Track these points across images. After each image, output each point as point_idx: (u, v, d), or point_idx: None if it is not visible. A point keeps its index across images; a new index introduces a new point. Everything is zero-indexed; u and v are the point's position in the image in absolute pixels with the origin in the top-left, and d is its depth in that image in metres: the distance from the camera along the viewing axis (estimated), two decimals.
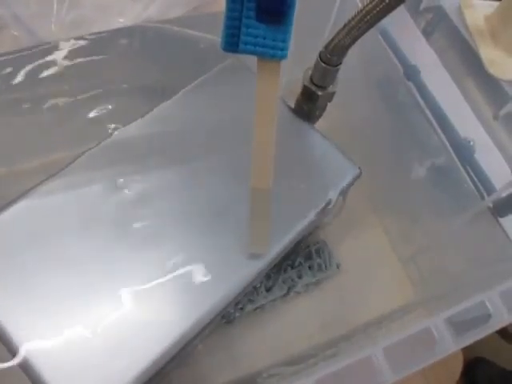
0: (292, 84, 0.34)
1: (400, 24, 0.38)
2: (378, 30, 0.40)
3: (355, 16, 0.25)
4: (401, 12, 0.38)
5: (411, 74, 0.38)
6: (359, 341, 0.35)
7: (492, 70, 0.35)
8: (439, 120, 0.36)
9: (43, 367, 0.25)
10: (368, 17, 0.25)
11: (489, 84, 0.35)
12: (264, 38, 0.21)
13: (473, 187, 0.34)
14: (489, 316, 0.24)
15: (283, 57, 0.21)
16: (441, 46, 0.37)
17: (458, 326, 0.23)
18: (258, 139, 0.24)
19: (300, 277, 0.41)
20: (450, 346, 0.22)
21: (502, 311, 0.24)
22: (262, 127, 0.24)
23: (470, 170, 0.34)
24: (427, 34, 0.38)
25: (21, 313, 0.26)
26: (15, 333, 0.26)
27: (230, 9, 0.20)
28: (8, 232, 0.28)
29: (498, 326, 0.24)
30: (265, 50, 0.21)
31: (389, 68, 0.40)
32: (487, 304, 0.24)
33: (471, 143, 0.34)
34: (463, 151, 0.35)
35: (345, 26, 0.26)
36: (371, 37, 0.31)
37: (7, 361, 0.25)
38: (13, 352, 0.25)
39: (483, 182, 0.33)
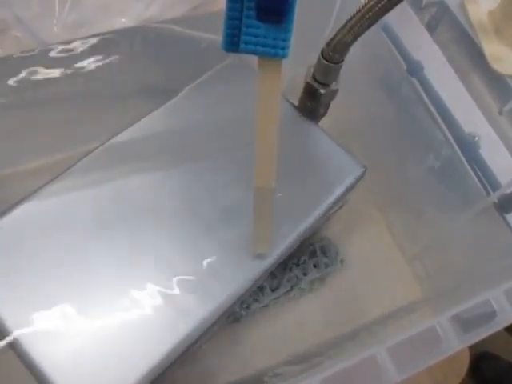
0: (295, 82, 0.34)
1: (403, 19, 0.38)
2: (380, 26, 0.39)
3: (357, 12, 0.25)
4: (403, 7, 0.38)
5: (414, 69, 0.38)
6: (364, 339, 0.35)
7: (496, 66, 0.35)
8: (443, 116, 0.36)
9: (45, 365, 0.25)
10: (370, 13, 0.25)
11: (493, 79, 0.35)
12: (265, 38, 0.20)
13: (478, 183, 0.34)
14: (494, 313, 0.24)
15: (284, 56, 0.21)
16: (444, 41, 0.36)
17: (463, 324, 0.23)
18: (261, 139, 0.24)
19: (305, 274, 0.41)
20: (455, 345, 0.22)
21: (507, 309, 0.24)
22: (264, 127, 0.24)
23: (474, 166, 0.34)
24: (431, 29, 0.37)
25: (26, 310, 0.26)
26: (18, 328, 0.26)
27: (230, 8, 0.20)
28: (15, 233, 0.29)
29: (503, 325, 0.24)
30: (266, 50, 0.21)
31: (392, 64, 0.39)
32: (492, 302, 0.24)
33: (476, 138, 0.34)
34: (468, 147, 0.34)
35: (347, 22, 0.26)
36: (373, 33, 0.31)
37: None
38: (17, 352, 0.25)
39: (488, 178, 0.33)
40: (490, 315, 0.24)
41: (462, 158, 0.35)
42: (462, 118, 0.35)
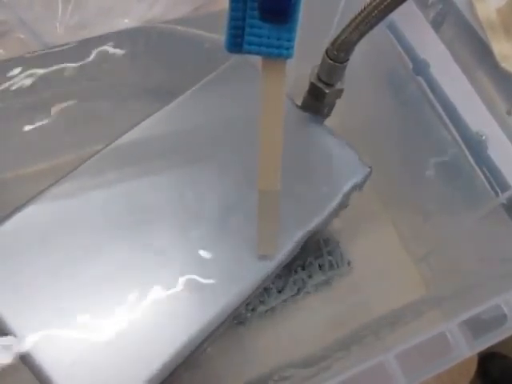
0: (299, 82, 0.34)
1: (408, 18, 0.38)
2: (385, 24, 0.39)
3: (362, 11, 0.25)
4: (409, 5, 0.37)
5: (420, 68, 0.37)
6: (371, 343, 0.34)
7: (504, 65, 0.34)
8: (450, 115, 0.35)
9: (49, 367, 0.25)
10: (375, 11, 0.24)
11: (501, 77, 0.34)
12: (268, 38, 0.20)
13: (486, 184, 0.33)
14: (504, 318, 0.23)
15: (289, 56, 0.21)
16: (451, 39, 0.36)
17: (473, 329, 0.23)
18: (265, 140, 0.24)
19: (310, 276, 0.40)
20: (466, 352, 0.22)
21: None
22: (268, 128, 0.23)
23: (482, 166, 0.33)
24: (436, 26, 0.37)
25: (32, 313, 0.26)
26: (23, 332, 0.26)
27: (233, 8, 0.20)
28: (20, 236, 0.28)
29: None
30: (270, 50, 0.20)
31: (397, 63, 0.39)
32: (502, 306, 0.24)
33: (483, 137, 0.34)
34: (476, 147, 0.34)
35: (351, 21, 0.26)
36: (379, 31, 0.31)
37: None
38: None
39: (497, 179, 0.32)
40: (501, 319, 0.23)
41: (470, 158, 0.34)
42: (469, 117, 0.34)
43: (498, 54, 0.35)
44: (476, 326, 0.23)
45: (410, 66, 0.38)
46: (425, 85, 0.37)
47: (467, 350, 0.22)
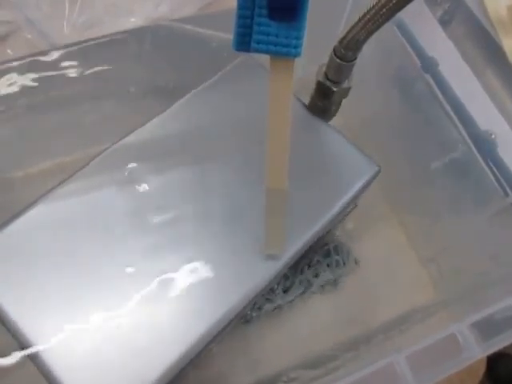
0: (306, 80, 0.34)
1: (417, 15, 0.37)
2: (394, 22, 0.39)
3: (370, 9, 0.24)
4: (418, 3, 0.37)
5: (429, 66, 0.37)
6: (379, 343, 0.34)
7: None
8: (459, 114, 0.35)
9: (58, 367, 0.25)
10: (384, 10, 0.24)
11: (510, 75, 0.34)
12: (277, 36, 0.20)
13: (495, 183, 0.33)
14: None
15: (297, 54, 0.21)
16: (460, 37, 0.36)
17: (484, 331, 0.22)
18: (273, 139, 0.24)
19: (317, 275, 0.40)
20: (476, 354, 0.21)
21: None
22: (276, 127, 0.23)
23: (492, 165, 0.33)
24: (445, 24, 0.36)
25: (39, 312, 0.26)
26: (32, 333, 0.26)
27: (241, 7, 0.20)
28: (28, 236, 0.28)
29: None
30: (278, 49, 0.20)
31: (406, 61, 0.39)
32: None
33: (493, 136, 0.33)
34: (485, 145, 0.33)
35: (360, 19, 0.25)
36: (387, 29, 0.30)
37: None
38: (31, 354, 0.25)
39: (506, 178, 0.32)
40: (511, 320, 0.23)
41: (479, 157, 0.34)
42: (478, 116, 0.34)
43: (509, 51, 0.34)
44: (486, 328, 0.23)
45: (419, 64, 0.38)
46: (433, 83, 0.37)
47: (478, 351, 0.22)
